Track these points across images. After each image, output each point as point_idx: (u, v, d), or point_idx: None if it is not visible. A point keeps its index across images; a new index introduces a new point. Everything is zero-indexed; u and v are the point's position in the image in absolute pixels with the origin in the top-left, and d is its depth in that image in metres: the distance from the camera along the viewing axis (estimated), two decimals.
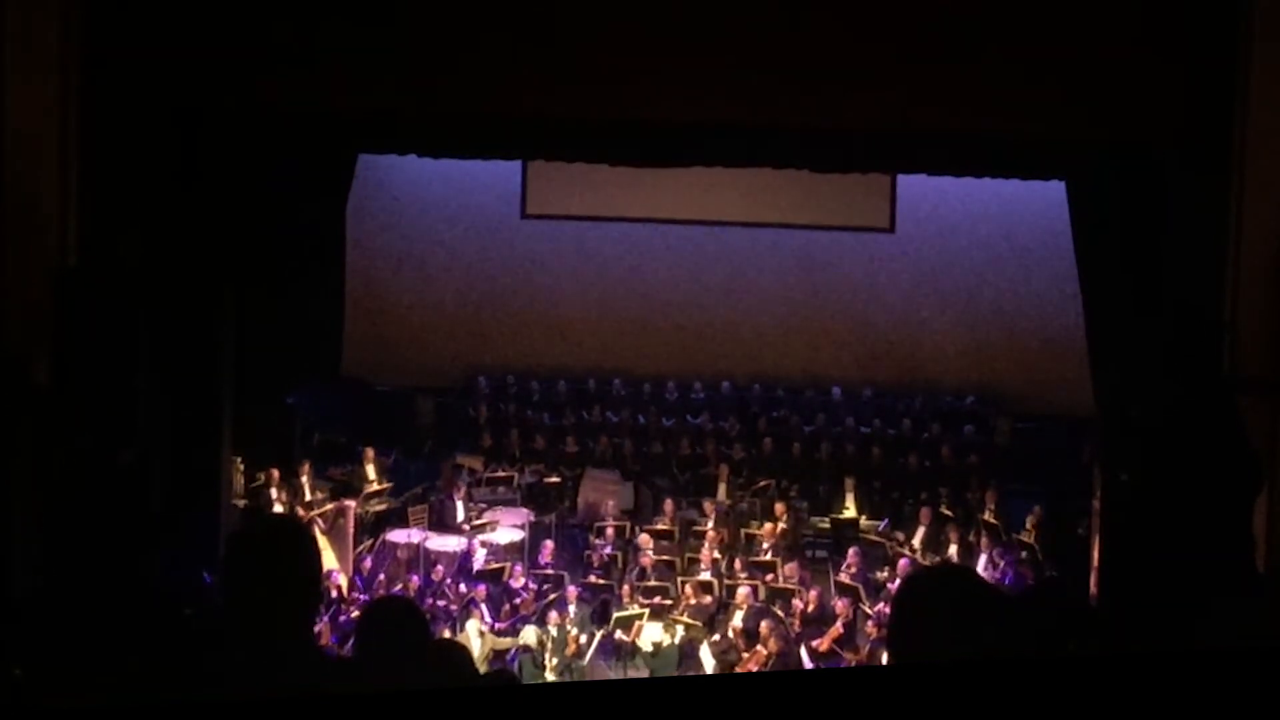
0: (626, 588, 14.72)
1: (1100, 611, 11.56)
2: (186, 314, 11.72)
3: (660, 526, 15.87)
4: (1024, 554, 15.27)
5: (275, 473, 15.54)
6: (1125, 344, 12.65)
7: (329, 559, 14.27)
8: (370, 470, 16.93)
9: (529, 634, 13.74)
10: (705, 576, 14.83)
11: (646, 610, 14.02)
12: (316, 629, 11.98)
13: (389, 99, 12.37)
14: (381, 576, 14.37)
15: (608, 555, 15.50)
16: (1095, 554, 12.81)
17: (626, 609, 14.24)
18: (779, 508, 16.38)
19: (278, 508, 15.06)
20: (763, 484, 17.47)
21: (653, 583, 14.54)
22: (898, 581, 12.96)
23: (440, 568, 14.92)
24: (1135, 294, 12.56)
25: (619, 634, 14.03)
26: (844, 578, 14.81)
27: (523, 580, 14.74)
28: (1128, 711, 1.96)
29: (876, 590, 14.77)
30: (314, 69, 12.03)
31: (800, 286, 20.33)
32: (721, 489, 17.34)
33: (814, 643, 13.58)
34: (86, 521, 9.55)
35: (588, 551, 15.75)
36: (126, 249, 11.65)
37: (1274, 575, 10.11)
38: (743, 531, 16.03)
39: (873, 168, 14.46)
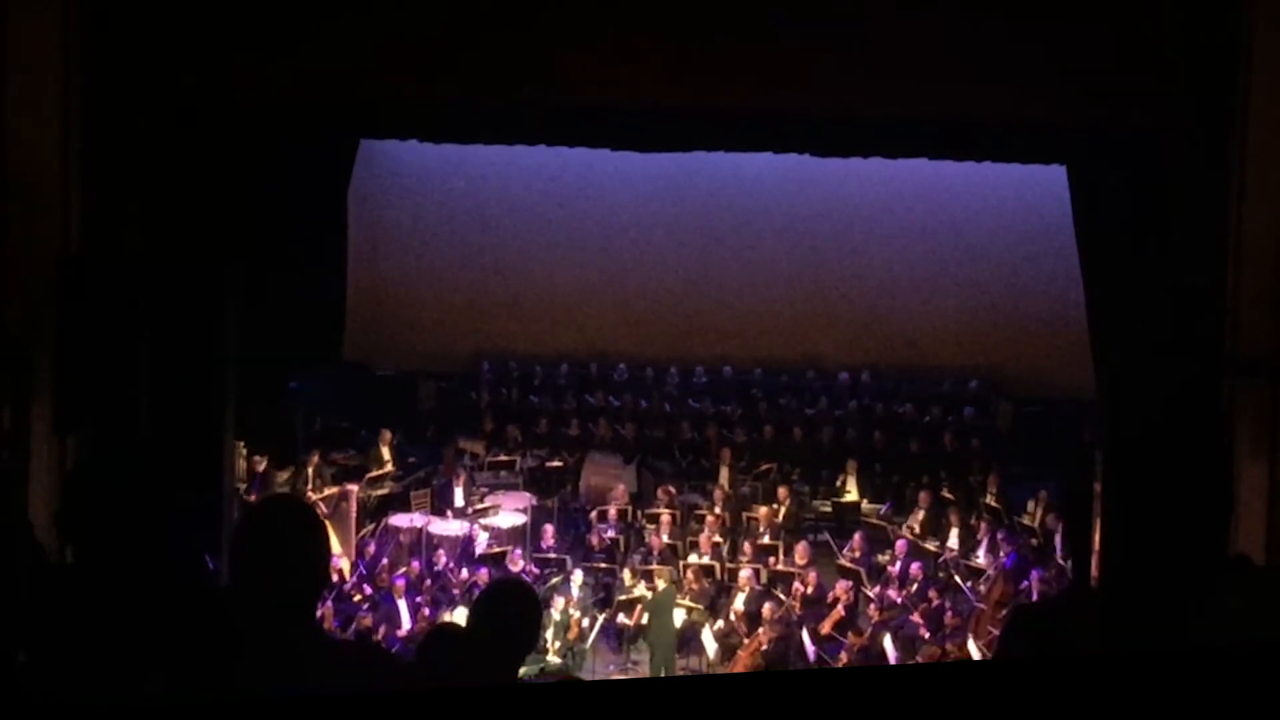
0: (628, 571, 14.75)
1: (1102, 594, 11.56)
2: (189, 300, 11.71)
3: (662, 510, 15.89)
4: (1028, 538, 15.31)
5: (278, 458, 15.57)
6: (1126, 327, 12.65)
7: (331, 543, 14.28)
8: (385, 452, 16.97)
9: None
10: (706, 560, 14.86)
11: (649, 594, 14.04)
12: (319, 613, 12.03)
13: (390, 84, 12.36)
14: (384, 561, 14.39)
15: (610, 539, 15.52)
16: (1097, 537, 12.80)
17: (629, 592, 14.27)
18: (778, 491, 16.42)
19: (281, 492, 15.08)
20: (764, 468, 17.50)
21: (655, 566, 14.56)
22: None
23: (443, 552, 14.95)
24: (1136, 277, 12.56)
25: (621, 617, 14.07)
26: (845, 561, 14.84)
27: (524, 564, 14.76)
28: (1128, 711, 1.97)
29: (878, 573, 14.81)
30: (315, 54, 12.02)
31: (802, 271, 20.34)
32: (723, 473, 17.37)
33: (815, 626, 13.61)
34: (90, 507, 9.51)
35: (589, 535, 15.77)
36: (129, 235, 11.64)
37: (1275, 566, 10.11)
38: (745, 515, 16.06)
39: (874, 152, 14.43)
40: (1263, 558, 10.14)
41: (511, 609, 5.06)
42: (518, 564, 14.69)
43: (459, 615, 13.33)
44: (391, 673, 4.05)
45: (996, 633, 12.28)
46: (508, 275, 20.46)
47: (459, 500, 16.31)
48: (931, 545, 15.48)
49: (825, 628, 13.61)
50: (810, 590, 14.16)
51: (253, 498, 14.35)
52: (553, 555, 15.15)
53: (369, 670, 3.84)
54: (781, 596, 14.10)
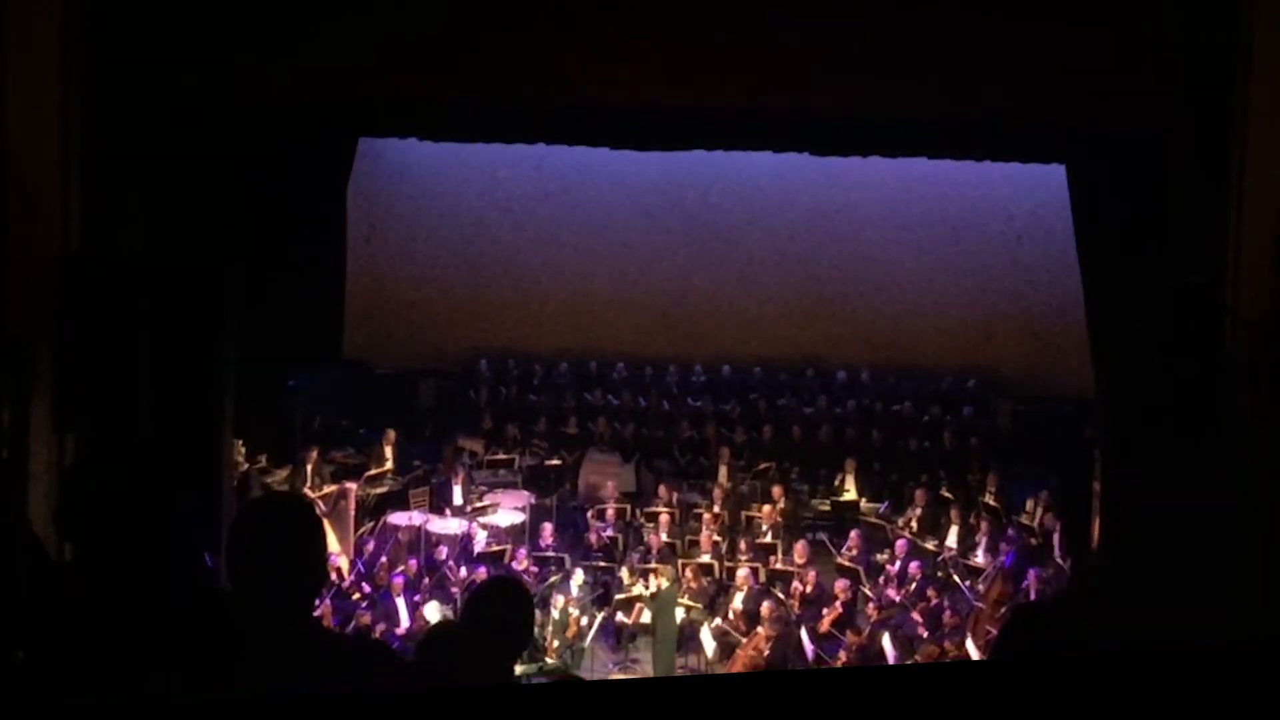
0: (626, 570, 14.75)
1: (1101, 594, 11.58)
2: (188, 298, 11.71)
3: (661, 509, 15.89)
4: (1027, 537, 15.30)
5: (277, 456, 15.60)
6: (1126, 327, 12.65)
7: (330, 541, 14.27)
8: (387, 451, 16.98)
9: None
10: (705, 559, 14.87)
11: (649, 592, 14.04)
12: (317, 611, 12.04)
13: (390, 84, 12.36)
14: (383, 559, 14.40)
15: (608, 538, 15.53)
16: (1095, 536, 12.82)
17: (628, 591, 14.27)
18: (776, 490, 16.42)
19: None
20: (763, 466, 17.50)
21: (654, 565, 14.57)
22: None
23: (444, 549, 14.94)
24: (1136, 277, 12.56)
25: (620, 616, 14.07)
26: (844, 560, 14.84)
27: (525, 563, 14.75)
28: (1126, 711, 1.98)
29: (876, 572, 14.81)
30: (315, 54, 12.02)
31: (801, 270, 20.36)
32: (722, 471, 17.38)
33: (813, 625, 13.61)
34: (89, 505, 9.48)
35: (588, 534, 15.77)
36: (128, 234, 11.64)
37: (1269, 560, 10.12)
38: (743, 514, 16.06)
39: (874, 152, 14.44)
40: (1262, 558, 10.15)
41: (502, 606, 5.08)
42: (521, 563, 14.69)
43: (431, 610, 13.34)
44: (390, 668, 4.04)
45: (995, 632, 12.28)
46: (507, 274, 20.46)
47: (458, 498, 16.31)
48: (930, 544, 15.49)
49: (824, 626, 13.60)
50: (809, 589, 14.18)
51: (251, 496, 14.35)
52: (551, 554, 15.15)
53: (368, 664, 3.84)
54: (780, 595, 14.11)
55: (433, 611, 13.32)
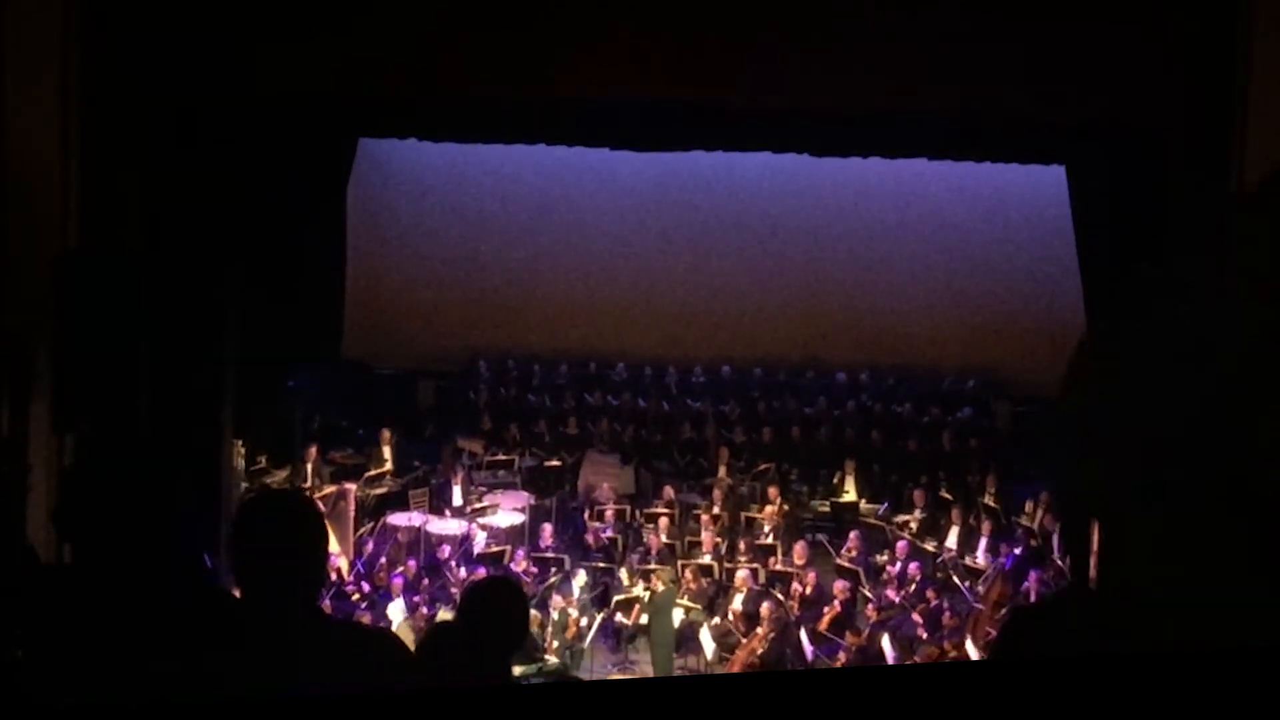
0: (625, 570, 14.74)
1: (1101, 595, 11.55)
2: (188, 297, 11.70)
3: (660, 510, 15.89)
4: (1027, 539, 15.29)
5: (277, 456, 15.59)
6: (1125, 326, 12.63)
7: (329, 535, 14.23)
8: (385, 451, 16.97)
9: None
10: (705, 560, 14.86)
11: (647, 593, 14.04)
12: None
13: (389, 83, 12.37)
14: (382, 560, 14.39)
15: (608, 538, 15.52)
16: (1095, 537, 12.77)
17: (627, 592, 14.27)
18: (775, 491, 16.41)
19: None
20: (763, 467, 17.49)
21: (653, 566, 14.56)
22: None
23: (446, 549, 14.93)
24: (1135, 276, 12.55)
25: (619, 617, 14.06)
26: (843, 561, 14.84)
27: (524, 564, 14.74)
28: (1127, 713, 1.97)
29: (876, 573, 14.80)
30: (314, 53, 12.03)
31: (801, 270, 20.35)
32: (722, 472, 17.37)
33: (813, 625, 13.60)
34: (88, 505, 9.43)
35: (587, 535, 15.75)
36: (128, 234, 11.65)
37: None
38: (743, 515, 16.05)
39: (873, 151, 14.44)
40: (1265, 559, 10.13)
41: (494, 605, 5.10)
42: (521, 563, 14.67)
43: (394, 610, 13.31)
44: (396, 656, 4.03)
45: (994, 633, 12.27)
46: (506, 274, 20.46)
47: (457, 499, 16.30)
48: (930, 545, 15.48)
49: (823, 627, 13.59)
50: (809, 590, 14.16)
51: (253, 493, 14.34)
52: (551, 555, 15.13)
53: (374, 652, 3.83)
54: (780, 596, 14.10)
55: (396, 611, 13.27)
